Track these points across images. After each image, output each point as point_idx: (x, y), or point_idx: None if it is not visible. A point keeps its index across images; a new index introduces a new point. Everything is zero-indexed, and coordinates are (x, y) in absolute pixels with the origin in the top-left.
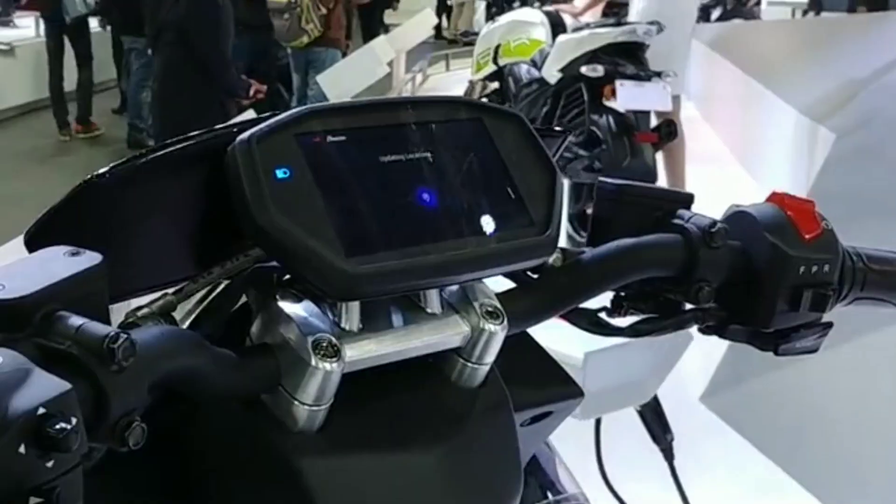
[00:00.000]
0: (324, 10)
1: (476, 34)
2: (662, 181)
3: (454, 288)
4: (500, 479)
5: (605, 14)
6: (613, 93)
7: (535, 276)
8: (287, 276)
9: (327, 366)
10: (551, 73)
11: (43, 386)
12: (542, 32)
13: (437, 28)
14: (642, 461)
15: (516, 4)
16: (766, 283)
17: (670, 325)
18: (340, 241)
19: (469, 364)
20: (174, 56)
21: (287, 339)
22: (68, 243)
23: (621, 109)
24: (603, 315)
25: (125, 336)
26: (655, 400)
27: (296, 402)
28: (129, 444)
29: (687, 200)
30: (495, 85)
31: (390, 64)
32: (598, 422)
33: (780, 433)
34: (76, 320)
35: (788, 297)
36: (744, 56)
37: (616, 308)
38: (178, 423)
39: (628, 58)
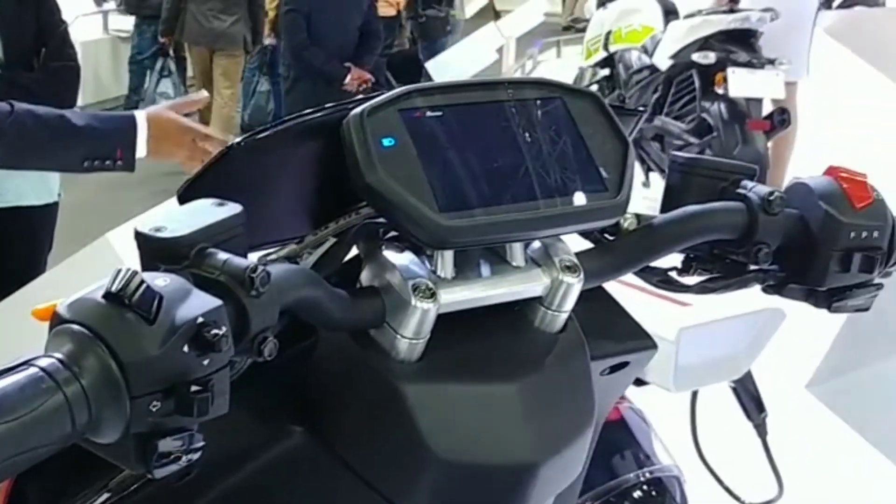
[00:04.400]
0: None
1: (587, 21)
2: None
3: (537, 245)
4: (573, 412)
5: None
6: (725, 80)
7: (612, 238)
8: (391, 232)
9: (425, 305)
10: (663, 60)
11: (201, 301)
12: (653, 19)
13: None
14: (736, 438)
15: None
16: (819, 247)
17: (734, 284)
18: (435, 198)
19: (550, 311)
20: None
21: (391, 282)
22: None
23: (732, 96)
24: (673, 274)
25: (262, 268)
26: (749, 377)
27: (398, 336)
28: (265, 354)
29: (751, 173)
30: (606, 72)
31: (500, 50)
32: (693, 396)
33: (886, 422)
34: (223, 255)
35: (840, 259)
36: (866, 45)
37: (686, 268)
38: (299, 355)
39: (741, 45)
